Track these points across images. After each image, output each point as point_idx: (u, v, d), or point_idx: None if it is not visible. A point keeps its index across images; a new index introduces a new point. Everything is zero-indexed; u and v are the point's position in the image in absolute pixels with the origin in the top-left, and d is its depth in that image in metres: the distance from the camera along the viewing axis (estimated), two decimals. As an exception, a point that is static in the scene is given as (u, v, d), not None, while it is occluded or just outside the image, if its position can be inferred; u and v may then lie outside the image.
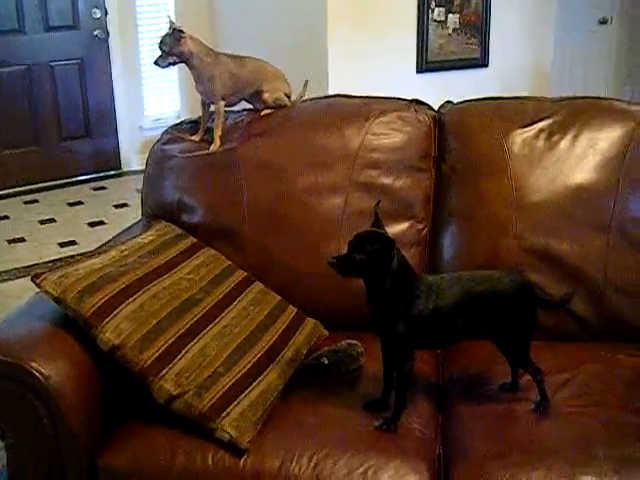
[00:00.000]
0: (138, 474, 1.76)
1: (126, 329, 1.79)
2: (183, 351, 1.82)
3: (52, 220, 5.23)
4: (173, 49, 2.36)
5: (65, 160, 5.95)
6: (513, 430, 1.79)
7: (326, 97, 2.58)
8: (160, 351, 1.80)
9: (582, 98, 2.41)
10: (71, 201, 5.60)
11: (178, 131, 2.53)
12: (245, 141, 2.38)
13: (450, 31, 4.71)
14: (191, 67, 2.42)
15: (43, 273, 1.87)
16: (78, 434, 1.76)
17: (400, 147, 2.32)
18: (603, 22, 6.08)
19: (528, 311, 1.84)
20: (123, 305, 1.84)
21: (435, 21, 4.65)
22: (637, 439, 1.70)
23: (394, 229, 2.19)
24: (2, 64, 5.58)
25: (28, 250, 4.72)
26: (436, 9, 4.63)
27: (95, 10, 5.82)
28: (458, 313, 1.77)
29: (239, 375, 1.83)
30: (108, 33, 5.91)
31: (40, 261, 4.49)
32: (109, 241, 2.33)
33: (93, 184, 5.96)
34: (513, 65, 4.95)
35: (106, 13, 5.86)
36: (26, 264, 4.46)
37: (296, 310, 2.17)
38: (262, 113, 2.48)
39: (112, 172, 6.16)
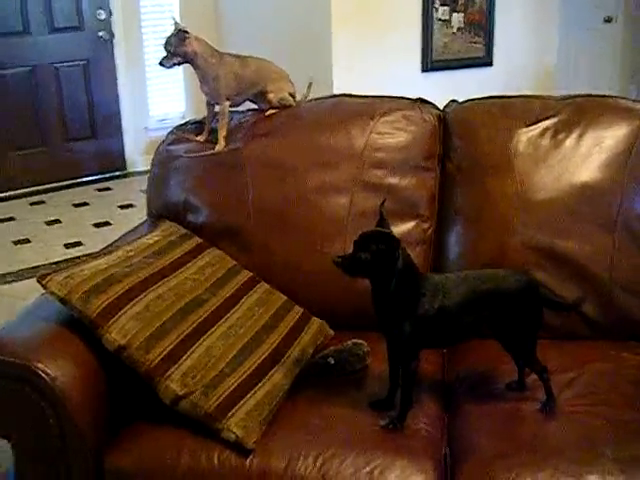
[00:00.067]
0: (144, 474, 1.77)
1: (132, 329, 1.80)
2: (189, 351, 1.82)
3: (58, 221, 5.24)
4: (178, 49, 2.36)
5: (70, 161, 5.96)
6: (519, 429, 1.78)
7: (331, 97, 2.58)
8: (166, 351, 1.80)
9: (587, 96, 2.40)
10: (76, 202, 5.61)
11: (183, 132, 2.53)
12: (250, 141, 2.38)
13: (454, 30, 4.70)
14: (196, 67, 2.42)
15: (49, 274, 1.88)
16: (84, 434, 1.76)
17: (405, 146, 2.32)
18: (608, 20, 6.07)
19: (534, 310, 1.84)
20: (129, 305, 1.84)
21: (439, 20, 4.64)
22: (644, 438, 1.70)
23: (399, 228, 2.19)
24: (7, 65, 5.60)
25: (34, 251, 4.73)
26: (440, 8, 4.62)
27: (100, 11, 5.83)
28: (464, 312, 1.77)
29: (245, 375, 1.83)
30: (113, 34, 5.92)
31: (46, 262, 4.50)
32: (115, 242, 2.33)
33: (98, 185, 5.97)
34: (518, 64, 4.94)
35: (111, 14, 5.88)
36: (32, 265, 4.47)
37: (302, 310, 2.17)
38: (267, 113, 2.49)
39: (117, 173, 6.17)
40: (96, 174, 6.07)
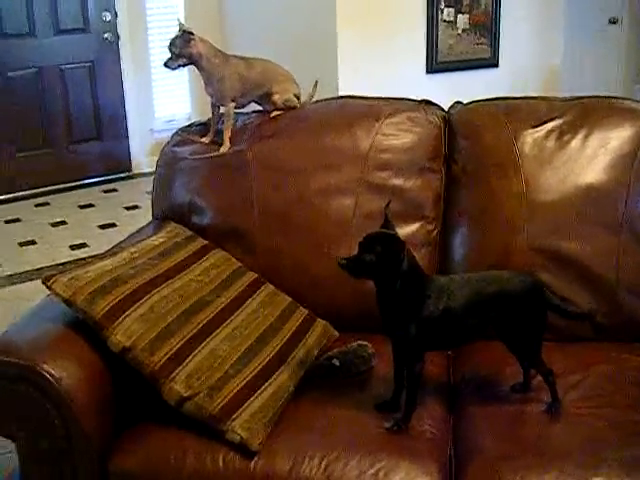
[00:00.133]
0: (149, 476, 1.76)
1: (137, 331, 1.80)
2: (194, 353, 1.82)
3: (63, 222, 5.25)
4: (183, 51, 2.37)
5: (76, 163, 5.97)
6: (525, 431, 1.78)
7: (336, 98, 2.58)
8: (171, 353, 1.80)
9: (593, 97, 2.39)
10: (82, 203, 5.62)
11: (188, 133, 2.54)
12: (255, 143, 2.38)
13: (460, 31, 4.70)
14: (201, 69, 2.42)
15: (54, 275, 1.88)
16: (89, 436, 1.77)
17: (410, 148, 2.31)
18: (613, 22, 6.05)
19: (539, 312, 1.83)
20: (134, 307, 1.84)
21: (445, 21, 4.64)
22: (649, 440, 1.70)
23: (404, 230, 2.18)
24: (13, 67, 5.62)
25: (39, 253, 4.74)
26: (445, 9, 4.62)
27: (105, 13, 5.85)
28: (469, 314, 1.77)
29: (250, 377, 1.83)
30: (118, 36, 5.94)
31: (51, 263, 4.51)
32: (120, 243, 2.33)
33: (104, 186, 5.99)
34: (523, 65, 4.93)
35: (116, 16, 5.89)
36: (37, 267, 4.48)
37: (306, 311, 2.16)
38: (272, 114, 2.49)
39: (123, 174, 6.18)
40: (102, 175, 6.08)
